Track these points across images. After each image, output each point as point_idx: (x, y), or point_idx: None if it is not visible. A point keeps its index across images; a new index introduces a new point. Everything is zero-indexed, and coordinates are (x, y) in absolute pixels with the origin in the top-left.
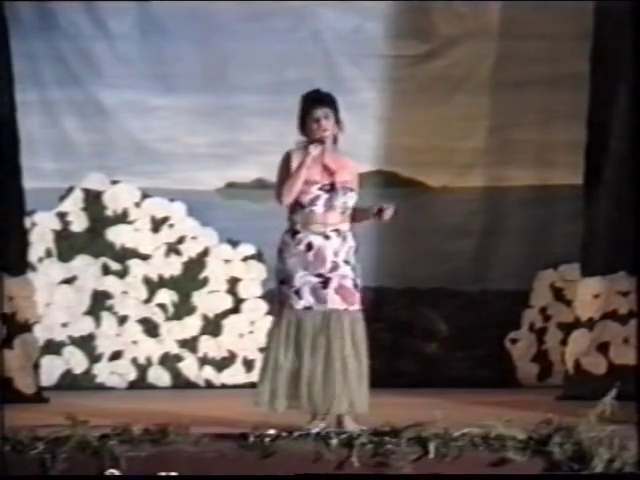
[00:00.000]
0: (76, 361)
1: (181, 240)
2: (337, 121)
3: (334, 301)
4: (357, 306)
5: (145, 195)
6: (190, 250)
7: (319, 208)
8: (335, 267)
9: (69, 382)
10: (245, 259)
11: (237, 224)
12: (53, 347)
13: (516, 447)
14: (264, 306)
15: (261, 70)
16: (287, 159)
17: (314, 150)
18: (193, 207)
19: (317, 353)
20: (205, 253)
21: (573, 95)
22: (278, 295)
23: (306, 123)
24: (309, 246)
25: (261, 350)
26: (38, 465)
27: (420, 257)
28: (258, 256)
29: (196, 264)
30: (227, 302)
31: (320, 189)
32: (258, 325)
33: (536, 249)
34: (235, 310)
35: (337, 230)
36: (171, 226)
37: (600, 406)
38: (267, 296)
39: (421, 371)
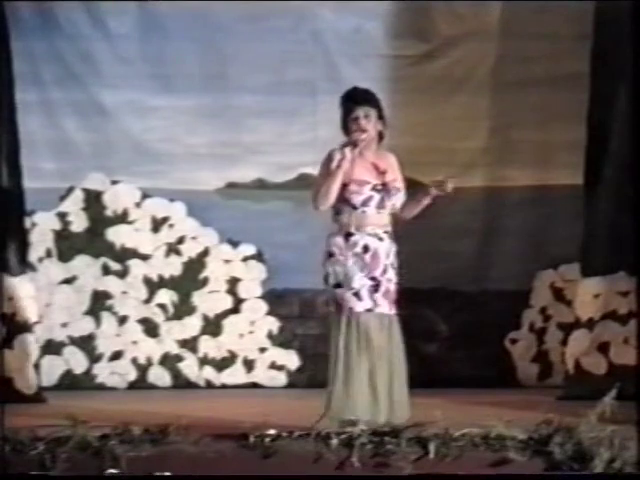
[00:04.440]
0: (76, 361)
1: (181, 240)
2: (380, 117)
3: (384, 305)
4: (395, 310)
5: (145, 195)
6: (190, 250)
7: (371, 209)
8: (386, 270)
9: (69, 382)
10: (245, 259)
11: (237, 224)
12: (53, 347)
13: (516, 447)
14: (264, 306)
15: (261, 70)
16: (327, 161)
17: (349, 153)
18: (193, 207)
19: (381, 357)
20: (205, 253)
21: (573, 95)
22: (334, 299)
23: (347, 123)
24: (365, 248)
25: (262, 350)
26: (38, 465)
27: (420, 257)
28: (258, 256)
29: (196, 264)
30: (227, 302)
31: (373, 189)
32: (258, 325)
33: (536, 249)
34: (235, 310)
35: (387, 232)
36: (171, 226)
37: (600, 406)
38: (267, 296)
39: (421, 371)
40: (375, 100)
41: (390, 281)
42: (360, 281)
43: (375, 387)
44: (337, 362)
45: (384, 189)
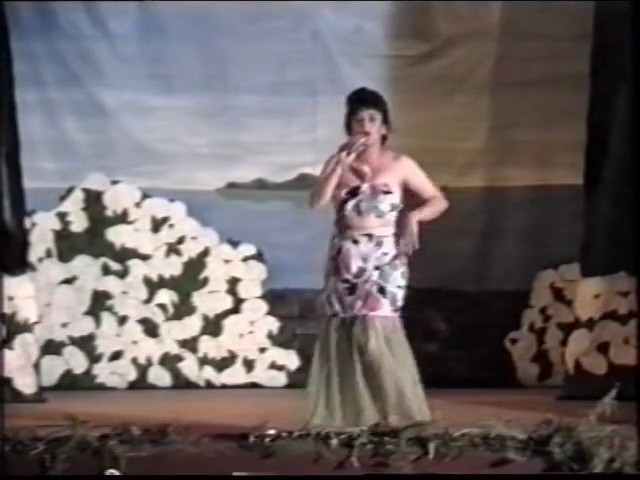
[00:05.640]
0: (76, 361)
1: (181, 240)
2: (385, 121)
3: (357, 307)
4: (384, 312)
5: (145, 195)
6: (190, 250)
7: (349, 212)
8: (361, 272)
9: (69, 382)
10: (245, 259)
11: (237, 224)
12: (53, 347)
13: (516, 447)
14: (264, 306)
15: (261, 70)
16: (326, 164)
17: (344, 157)
18: (193, 207)
19: (342, 362)
20: (205, 253)
21: (573, 95)
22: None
23: (351, 123)
24: (338, 251)
25: (262, 350)
26: (38, 465)
27: (420, 257)
28: (258, 256)
29: (196, 264)
30: (227, 302)
31: (347, 193)
32: (258, 325)
33: (536, 249)
34: (235, 310)
35: (369, 235)
36: (171, 226)
37: (600, 406)
38: (267, 296)
39: (421, 371)
40: (382, 103)
41: (371, 283)
42: (331, 286)
43: (341, 392)
44: (311, 367)
45: (361, 193)
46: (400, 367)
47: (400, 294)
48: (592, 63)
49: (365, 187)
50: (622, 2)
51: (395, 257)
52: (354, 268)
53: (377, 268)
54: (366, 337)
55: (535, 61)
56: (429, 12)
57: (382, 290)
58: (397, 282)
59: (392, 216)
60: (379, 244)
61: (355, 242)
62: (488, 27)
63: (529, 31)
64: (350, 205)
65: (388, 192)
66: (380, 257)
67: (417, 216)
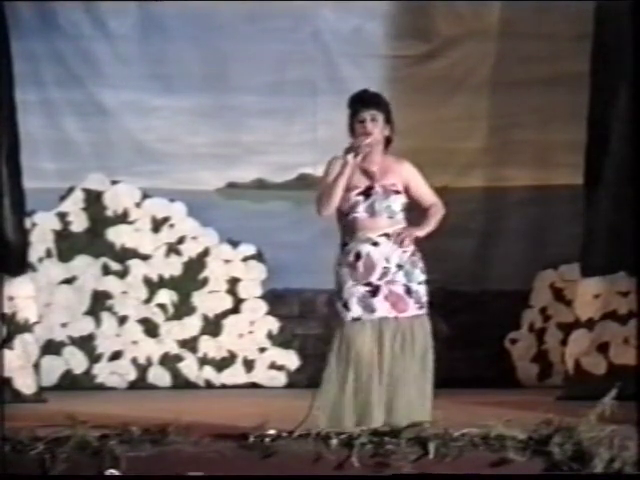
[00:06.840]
0: (76, 361)
1: (181, 240)
2: (388, 121)
3: (383, 309)
4: (411, 312)
5: (145, 195)
6: (190, 250)
7: (361, 214)
8: (385, 273)
9: (69, 382)
10: (245, 259)
11: (237, 224)
12: (53, 347)
13: (516, 447)
14: (264, 306)
15: (261, 70)
16: (328, 167)
17: (351, 159)
18: (193, 207)
19: (368, 365)
20: (205, 253)
21: (573, 95)
22: (334, 310)
23: (353, 125)
24: (357, 256)
25: (262, 350)
26: (38, 465)
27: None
28: (258, 256)
29: (196, 264)
30: (227, 302)
31: (358, 194)
32: (258, 325)
33: (536, 249)
34: (235, 310)
35: (386, 234)
36: (171, 226)
37: (600, 406)
38: (267, 296)
39: None
40: (384, 104)
41: (395, 283)
42: (349, 290)
43: (356, 395)
44: (324, 371)
45: (371, 193)
46: (423, 367)
47: (422, 290)
48: (592, 63)
49: (378, 187)
50: (622, 2)
51: (413, 254)
52: (379, 270)
53: (399, 266)
54: (394, 339)
55: (535, 61)
56: (429, 12)
57: (408, 290)
58: (418, 279)
59: (402, 216)
60: (398, 243)
61: (375, 244)
62: (488, 27)
63: (529, 31)
64: (363, 206)
65: (398, 192)
66: (401, 255)
67: (417, 233)
